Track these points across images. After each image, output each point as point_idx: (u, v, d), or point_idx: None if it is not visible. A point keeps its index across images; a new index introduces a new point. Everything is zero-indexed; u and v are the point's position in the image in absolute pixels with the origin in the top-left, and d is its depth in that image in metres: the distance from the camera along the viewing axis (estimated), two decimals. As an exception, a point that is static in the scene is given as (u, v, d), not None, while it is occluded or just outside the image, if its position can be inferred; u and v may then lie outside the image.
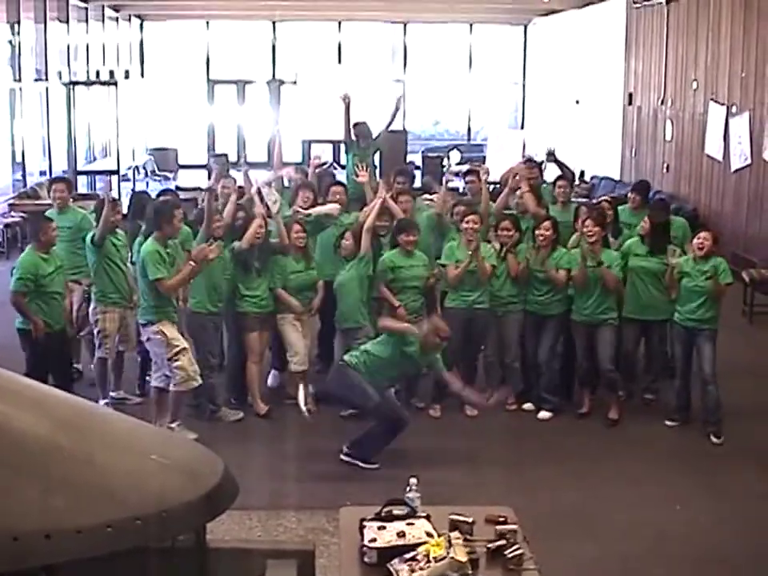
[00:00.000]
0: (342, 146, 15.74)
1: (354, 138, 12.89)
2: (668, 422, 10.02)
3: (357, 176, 11.63)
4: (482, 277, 10.08)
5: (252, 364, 10.24)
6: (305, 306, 10.32)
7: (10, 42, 20.85)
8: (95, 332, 10.21)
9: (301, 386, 10.18)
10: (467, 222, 10.16)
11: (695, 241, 9.76)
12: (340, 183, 11.73)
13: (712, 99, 17.58)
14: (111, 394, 10.32)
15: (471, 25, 31.51)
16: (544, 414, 10.24)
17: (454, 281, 10.19)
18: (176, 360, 9.24)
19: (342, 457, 9.04)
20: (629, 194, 11.93)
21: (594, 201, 14.12)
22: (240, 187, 11.25)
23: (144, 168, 28.05)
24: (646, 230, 10.28)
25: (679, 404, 10.04)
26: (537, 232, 10.24)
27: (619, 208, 11.45)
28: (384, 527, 5.26)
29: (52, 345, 9.45)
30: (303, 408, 10.01)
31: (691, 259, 9.75)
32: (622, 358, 10.40)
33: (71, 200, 11.38)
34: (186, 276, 9.38)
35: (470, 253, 9.98)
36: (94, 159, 26.59)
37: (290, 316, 10.24)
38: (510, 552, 5.14)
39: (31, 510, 3.03)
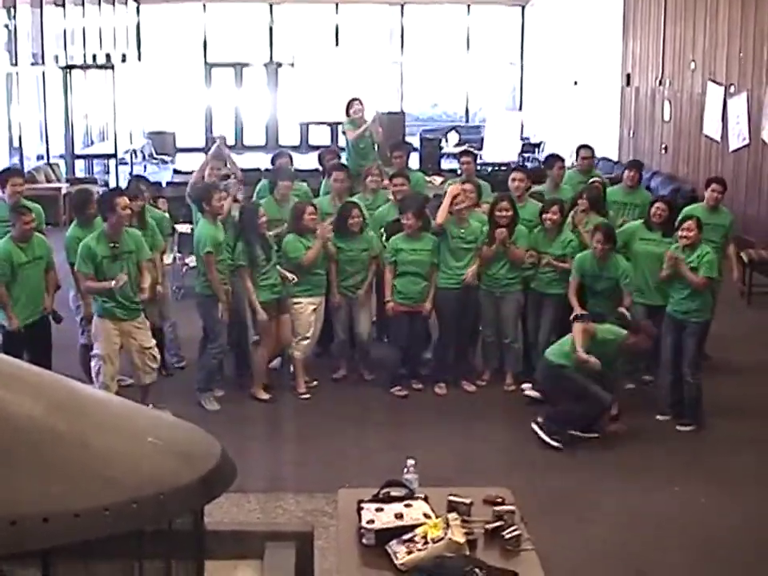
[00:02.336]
0: (340, 128, 15.72)
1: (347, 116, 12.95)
2: (659, 417, 9.77)
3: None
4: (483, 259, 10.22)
5: (264, 350, 10.20)
6: (319, 283, 10.31)
7: (7, 26, 20.79)
8: (77, 319, 10.21)
9: (300, 373, 10.26)
10: (465, 192, 10.29)
11: (679, 231, 9.64)
12: (343, 166, 11.65)
13: (710, 79, 17.55)
14: None
15: (469, 6, 31.45)
16: (533, 393, 10.10)
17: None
18: (92, 360, 9.30)
19: (533, 426, 9.12)
20: (625, 172, 11.74)
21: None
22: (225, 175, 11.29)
23: (142, 152, 28.02)
24: (662, 215, 10.07)
25: (673, 399, 9.74)
26: (545, 216, 10.19)
27: (614, 187, 11.45)
28: (382, 509, 5.28)
29: (29, 337, 9.35)
30: (302, 393, 10.17)
31: (680, 248, 9.56)
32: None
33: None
34: (99, 288, 9.19)
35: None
36: (92, 143, 26.57)
37: (309, 304, 10.21)
38: (508, 533, 5.16)
39: (29, 494, 3.03)
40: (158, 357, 9.60)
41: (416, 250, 10.22)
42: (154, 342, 9.52)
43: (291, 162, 11.85)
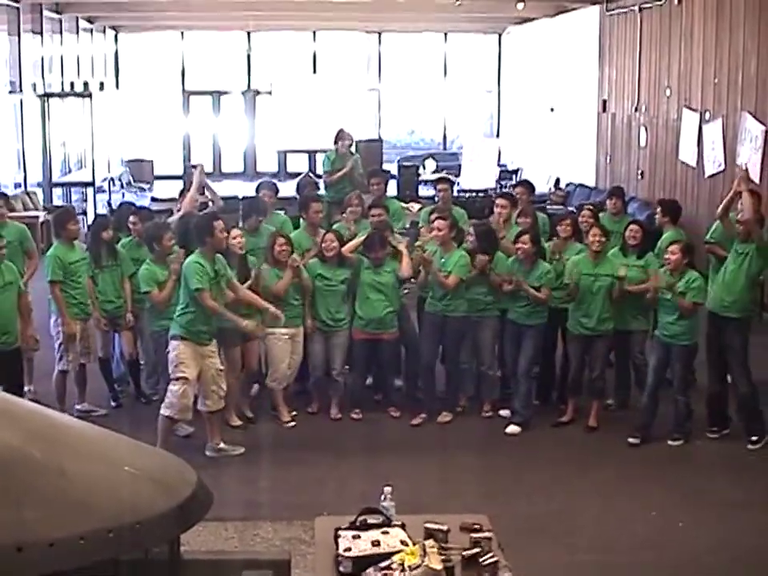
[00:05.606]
0: (319, 156, 15.79)
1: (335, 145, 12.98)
2: (630, 440, 9.78)
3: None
4: (443, 287, 10.03)
5: (232, 377, 10.14)
6: (294, 313, 10.22)
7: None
8: (56, 344, 10.15)
9: (281, 403, 10.22)
10: (434, 229, 10.20)
11: (665, 255, 9.71)
12: (318, 197, 11.56)
13: (685, 106, 17.65)
14: (76, 406, 10.28)
15: (446, 33, 31.59)
16: (513, 429, 10.07)
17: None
18: (174, 383, 9.05)
19: None
20: (608, 201, 11.85)
21: (575, 208, 13.91)
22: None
23: (120, 179, 27.96)
24: (638, 238, 10.19)
25: (644, 421, 9.83)
26: (516, 245, 10.09)
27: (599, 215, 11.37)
28: (359, 536, 5.27)
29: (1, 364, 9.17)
30: (286, 422, 10.13)
31: (668, 273, 9.59)
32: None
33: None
34: (232, 318, 9.23)
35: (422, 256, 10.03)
36: (69, 171, 26.48)
37: (283, 334, 10.13)
38: (485, 560, 5.15)
39: (3, 523, 3.02)
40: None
41: (378, 272, 10.26)
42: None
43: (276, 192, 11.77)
